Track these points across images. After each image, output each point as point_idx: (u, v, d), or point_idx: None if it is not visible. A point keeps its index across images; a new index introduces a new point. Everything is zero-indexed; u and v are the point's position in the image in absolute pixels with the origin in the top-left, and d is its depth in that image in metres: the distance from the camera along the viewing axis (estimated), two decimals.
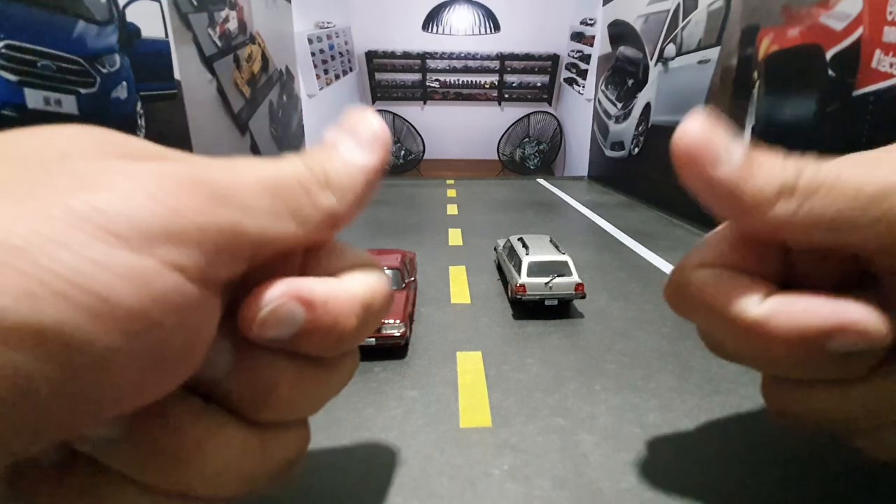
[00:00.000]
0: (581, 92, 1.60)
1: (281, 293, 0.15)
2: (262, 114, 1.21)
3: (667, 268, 0.60)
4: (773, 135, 0.69)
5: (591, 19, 1.54)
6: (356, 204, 0.17)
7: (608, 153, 1.43)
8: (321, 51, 1.52)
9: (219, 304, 0.14)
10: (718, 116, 0.16)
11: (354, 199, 0.17)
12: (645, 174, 1.14)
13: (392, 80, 1.58)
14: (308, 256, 0.17)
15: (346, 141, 0.17)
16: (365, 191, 0.17)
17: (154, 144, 0.15)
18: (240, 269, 0.14)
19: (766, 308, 0.17)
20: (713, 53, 0.85)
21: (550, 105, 1.63)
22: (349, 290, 0.16)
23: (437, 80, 1.59)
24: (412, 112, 1.61)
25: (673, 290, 0.20)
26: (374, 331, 0.36)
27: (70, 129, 0.14)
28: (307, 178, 0.15)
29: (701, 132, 0.16)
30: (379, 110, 1.59)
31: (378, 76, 1.57)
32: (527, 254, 0.46)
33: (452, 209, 0.99)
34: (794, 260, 0.19)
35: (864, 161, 0.16)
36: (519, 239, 0.50)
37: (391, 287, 0.19)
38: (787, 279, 0.19)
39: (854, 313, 0.16)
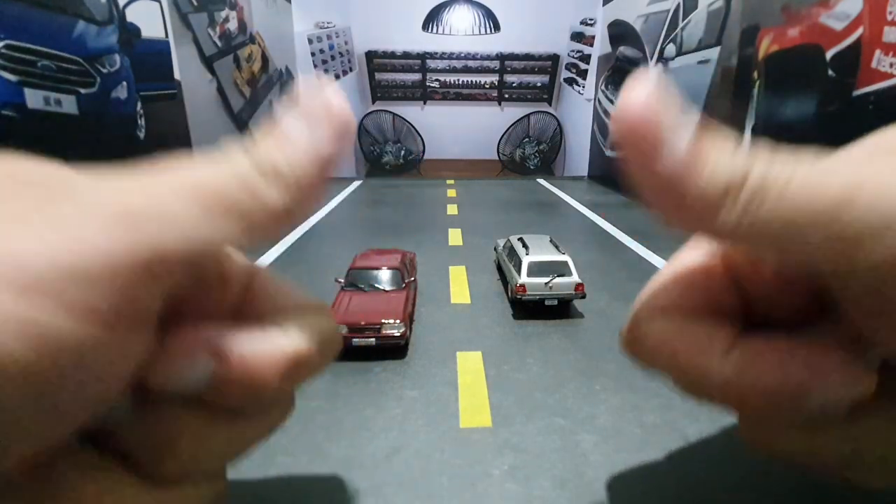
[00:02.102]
0: (581, 92, 1.61)
1: (189, 343, 0.14)
2: (263, 114, 1.21)
3: None
4: (772, 135, 0.69)
5: (591, 19, 1.54)
6: (309, 197, 0.15)
7: (608, 153, 1.43)
8: (321, 51, 1.52)
9: (142, 340, 0.13)
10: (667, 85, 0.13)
11: (307, 192, 0.15)
12: None
13: (392, 80, 1.58)
14: (245, 296, 0.16)
15: (299, 123, 0.15)
16: (319, 181, 0.15)
17: (62, 169, 0.13)
18: (172, 290, 0.13)
19: (732, 366, 0.15)
20: (713, 53, 0.85)
21: (550, 105, 1.63)
22: (275, 343, 0.15)
23: (437, 80, 1.59)
24: (412, 112, 1.61)
25: (629, 343, 0.18)
26: (374, 331, 0.36)
27: None
28: (247, 171, 0.14)
29: (647, 105, 0.13)
30: (379, 110, 1.59)
31: (378, 76, 1.57)
32: (527, 254, 0.46)
33: (452, 209, 0.99)
34: (749, 290, 0.17)
35: (822, 165, 0.13)
36: (519, 239, 0.50)
37: (337, 337, 0.17)
38: (746, 311, 0.18)
39: (832, 369, 0.15)
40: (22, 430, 0.11)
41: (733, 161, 0.13)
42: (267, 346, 0.14)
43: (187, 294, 0.14)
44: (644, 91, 0.13)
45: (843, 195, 0.12)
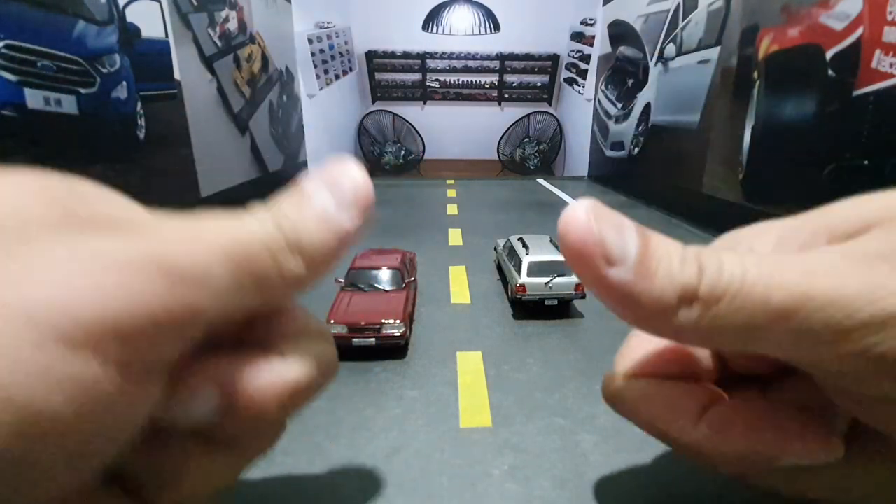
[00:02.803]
0: (581, 92, 1.60)
1: (194, 378, 0.14)
2: (262, 114, 1.21)
3: None
4: (772, 135, 0.69)
5: (591, 19, 1.54)
6: (325, 269, 0.15)
7: (608, 153, 1.43)
8: (321, 51, 1.52)
9: (161, 385, 0.13)
10: (601, 202, 0.14)
11: (324, 264, 0.15)
12: (645, 174, 1.14)
13: (392, 80, 1.58)
14: (252, 317, 0.16)
15: (325, 196, 0.15)
16: (337, 255, 0.15)
17: (110, 198, 0.14)
18: (193, 343, 0.13)
19: (703, 432, 0.16)
20: (713, 53, 0.85)
21: (550, 105, 1.63)
22: (278, 374, 0.15)
23: (437, 80, 1.58)
24: (412, 112, 1.61)
25: (609, 399, 0.19)
26: (374, 331, 0.36)
27: (11, 184, 0.12)
28: (276, 241, 0.14)
29: (588, 225, 0.13)
30: (379, 110, 1.59)
31: (378, 76, 1.57)
32: (527, 254, 0.46)
33: (452, 209, 0.99)
34: (721, 352, 0.18)
35: (773, 258, 0.14)
36: (519, 239, 0.50)
37: (336, 363, 0.17)
38: (720, 366, 0.19)
39: (796, 439, 0.16)
40: (51, 479, 0.11)
41: (683, 268, 0.13)
42: (269, 376, 0.15)
43: None
44: (585, 206, 0.14)
45: (796, 297, 0.12)
